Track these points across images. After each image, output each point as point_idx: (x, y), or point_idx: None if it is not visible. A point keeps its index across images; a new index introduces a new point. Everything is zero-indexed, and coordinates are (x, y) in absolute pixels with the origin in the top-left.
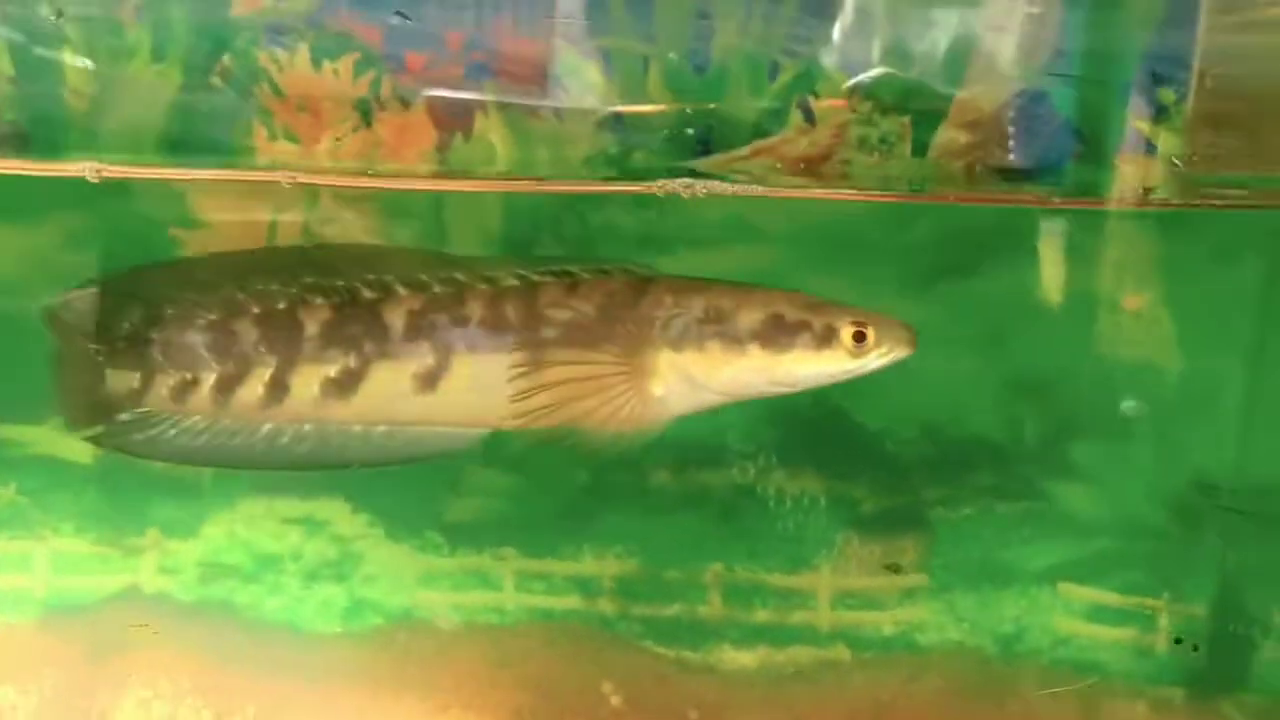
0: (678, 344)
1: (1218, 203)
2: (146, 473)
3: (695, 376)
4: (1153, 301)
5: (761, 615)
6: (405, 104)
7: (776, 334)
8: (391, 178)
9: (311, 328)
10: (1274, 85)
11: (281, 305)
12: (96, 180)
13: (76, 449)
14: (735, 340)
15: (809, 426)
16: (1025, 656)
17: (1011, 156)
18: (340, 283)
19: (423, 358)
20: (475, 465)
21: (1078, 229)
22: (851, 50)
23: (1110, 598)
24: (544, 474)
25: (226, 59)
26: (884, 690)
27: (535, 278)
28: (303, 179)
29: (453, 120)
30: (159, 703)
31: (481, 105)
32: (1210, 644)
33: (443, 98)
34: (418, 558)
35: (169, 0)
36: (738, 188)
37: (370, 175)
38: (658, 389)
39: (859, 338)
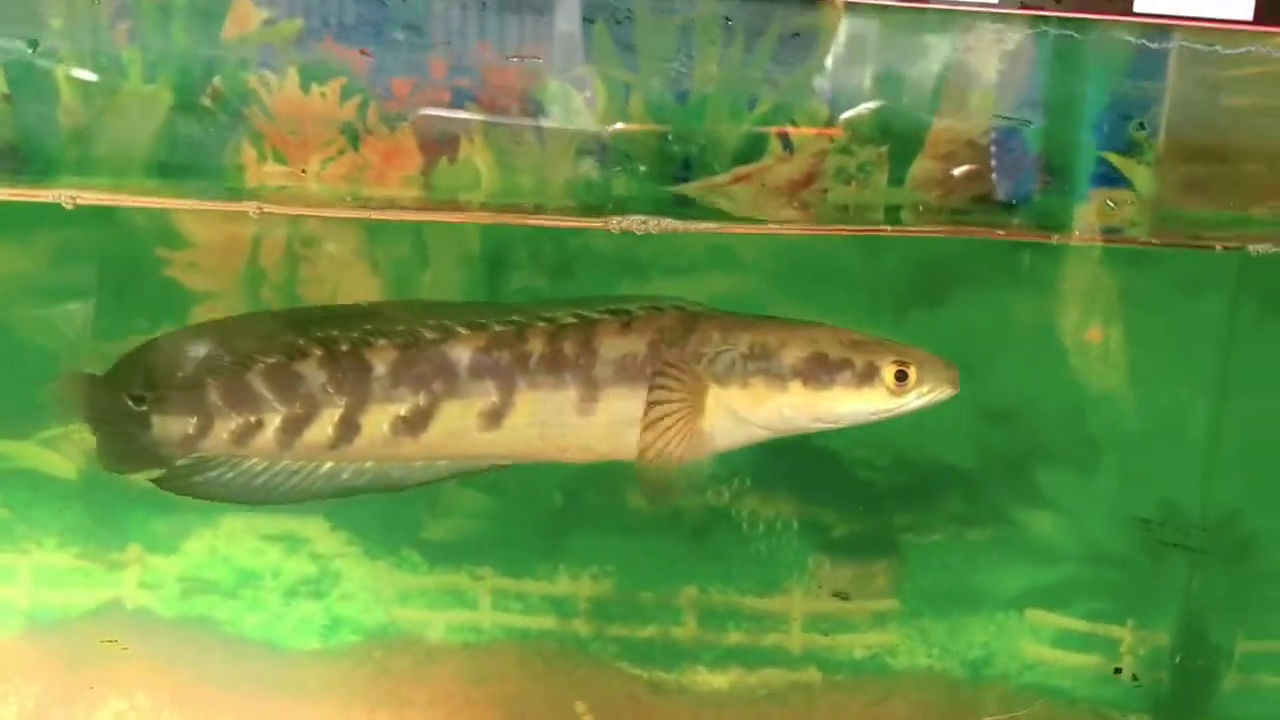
0: (724, 380)
1: (1181, 241)
2: (129, 489)
3: (739, 412)
4: (1119, 333)
5: (735, 637)
6: (391, 128)
7: (818, 371)
8: (359, 208)
9: (380, 368)
10: (1244, 123)
11: (345, 348)
12: (71, 207)
13: (60, 464)
14: (778, 377)
15: (782, 452)
16: (993, 681)
17: (985, 188)
18: (400, 327)
19: (488, 395)
20: (453, 485)
21: (1046, 261)
22: (830, 80)
23: (1076, 624)
24: (521, 494)
25: (217, 81)
26: (853, 713)
27: (593, 315)
28: (268, 209)
29: (438, 145)
30: (135, 715)
31: (466, 131)
32: (1174, 672)
33: (429, 125)
34: (395, 576)
35: (160, 22)
36: (689, 224)
37: (340, 205)
38: (706, 425)
39: (900, 376)
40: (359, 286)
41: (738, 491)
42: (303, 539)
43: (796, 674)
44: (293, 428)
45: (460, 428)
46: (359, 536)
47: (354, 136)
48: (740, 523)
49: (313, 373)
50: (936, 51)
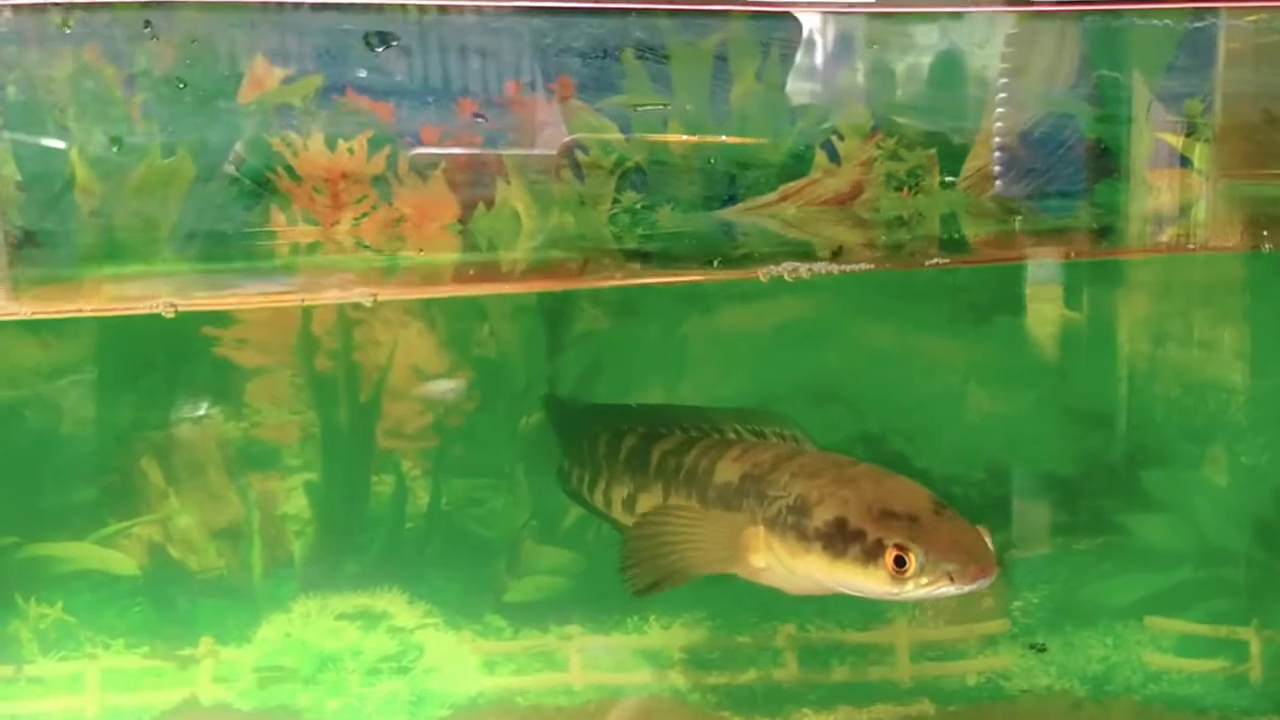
0: (770, 527)
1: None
2: (195, 579)
3: (785, 563)
4: (1214, 323)
5: (839, 674)
6: (424, 177)
7: (835, 539)
8: (489, 281)
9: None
10: None
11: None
12: (172, 315)
13: (121, 561)
14: (804, 536)
15: None
16: (1117, 695)
17: (1040, 181)
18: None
19: (658, 496)
20: (532, 543)
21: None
22: (870, 86)
23: (1199, 629)
24: (601, 546)
25: (239, 146)
26: None
27: (734, 434)
28: (384, 295)
29: (474, 190)
30: None
31: (502, 173)
32: None
33: (463, 170)
34: (480, 643)
35: (176, 93)
36: (844, 266)
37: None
38: (759, 562)
39: (899, 562)
40: (416, 347)
41: None
42: (380, 614)
43: (908, 708)
44: (615, 491)
45: None
46: (439, 606)
47: (386, 189)
48: None
49: (627, 451)
50: (979, 48)
